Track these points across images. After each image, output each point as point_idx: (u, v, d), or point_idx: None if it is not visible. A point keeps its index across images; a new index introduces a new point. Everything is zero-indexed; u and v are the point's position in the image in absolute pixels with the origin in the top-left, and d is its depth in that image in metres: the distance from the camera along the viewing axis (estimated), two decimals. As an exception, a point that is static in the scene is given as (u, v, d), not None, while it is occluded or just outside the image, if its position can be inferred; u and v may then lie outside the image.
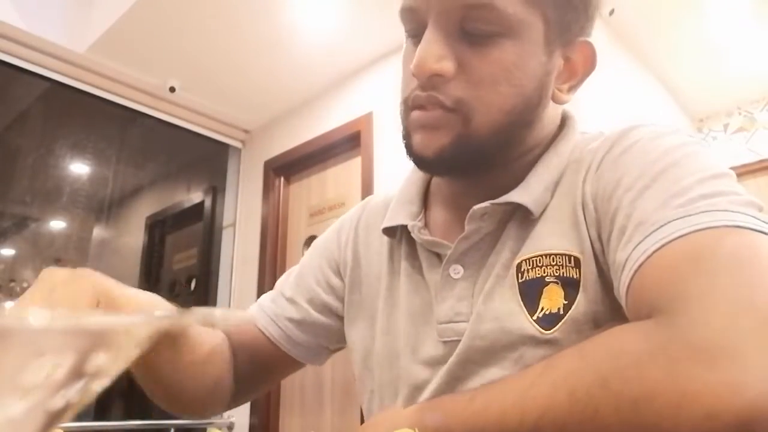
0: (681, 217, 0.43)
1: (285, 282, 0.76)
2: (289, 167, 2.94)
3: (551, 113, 0.61)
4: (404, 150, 0.58)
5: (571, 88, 0.59)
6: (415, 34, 0.57)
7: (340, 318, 0.72)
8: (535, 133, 0.59)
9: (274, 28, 2.37)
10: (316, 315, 0.72)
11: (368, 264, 0.70)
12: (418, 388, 0.59)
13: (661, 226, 0.44)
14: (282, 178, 2.97)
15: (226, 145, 3.19)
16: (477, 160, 0.56)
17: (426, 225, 0.64)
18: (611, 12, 2.24)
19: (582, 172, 0.56)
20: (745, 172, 2.83)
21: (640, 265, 0.43)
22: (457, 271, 0.59)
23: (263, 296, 0.77)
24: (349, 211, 0.78)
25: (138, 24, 2.33)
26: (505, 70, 0.53)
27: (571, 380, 0.39)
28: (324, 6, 2.28)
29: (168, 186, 3.75)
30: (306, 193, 2.87)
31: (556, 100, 0.59)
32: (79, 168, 3.74)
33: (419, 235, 0.62)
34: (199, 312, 0.23)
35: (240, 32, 2.39)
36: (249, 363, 0.72)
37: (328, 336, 0.73)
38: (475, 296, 0.57)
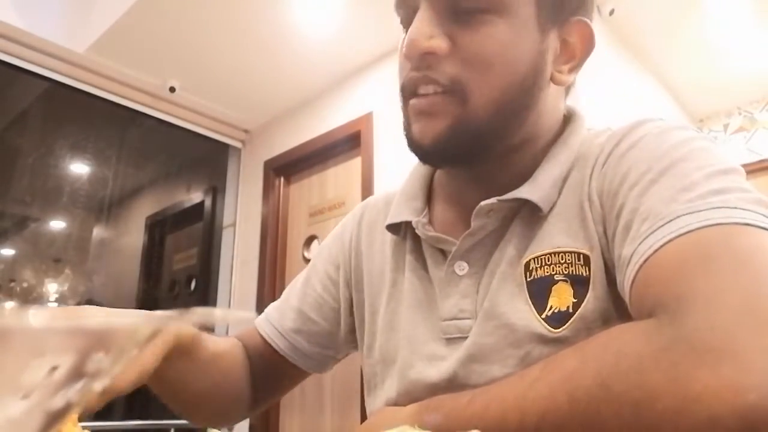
0: (690, 213, 0.42)
1: (291, 290, 0.75)
2: (289, 167, 2.94)
3: (552, 101, 0.59)
4: (406, 146, 0.58)
5: (572, 69, 0.58)
6: (409, 24, 0.56)
7: (348, 325, 0.72)
8: (533, 118, 0.57)
9: (273, 28, 2.36)
10: (324, 324, 0.72)
11: (370, 261, 0.69)
12: (419, 386, 0.58)
13: (670, 220, 0.43)
14: (282, 178, 2.97)
15: (226, 145, 3.19)
16: (477, 146, 0.55)
17: (430, 221, 0.63)
18: (611, 12, 2.24)
19: (589, 168, 0.55)
20: (745, 172, 2.84)
21: (646, 260, 0.42)
22: (462, 267, 0.58)
23: (270, 305, 0.76)
24: (349, 212, 0.78)
25: (138, 24, 2.33)
26: (498, 48, 0.53)
27: (571, 382, 0.38)
28: (324, 6, 2.28)
29: (168, 186, 3.75)
30: (306, 193, 2.87)
31: (557, 82, 0.57)
32: (79, 168, 3.75)
33: (424, 231, 0.61)
34: (199, 312, 0.23)
35: (240, 32, 2.39)
36: (262, 370, 0.72)
37: (336, 346, 0.73)
38: (480, 293, 0.56)
